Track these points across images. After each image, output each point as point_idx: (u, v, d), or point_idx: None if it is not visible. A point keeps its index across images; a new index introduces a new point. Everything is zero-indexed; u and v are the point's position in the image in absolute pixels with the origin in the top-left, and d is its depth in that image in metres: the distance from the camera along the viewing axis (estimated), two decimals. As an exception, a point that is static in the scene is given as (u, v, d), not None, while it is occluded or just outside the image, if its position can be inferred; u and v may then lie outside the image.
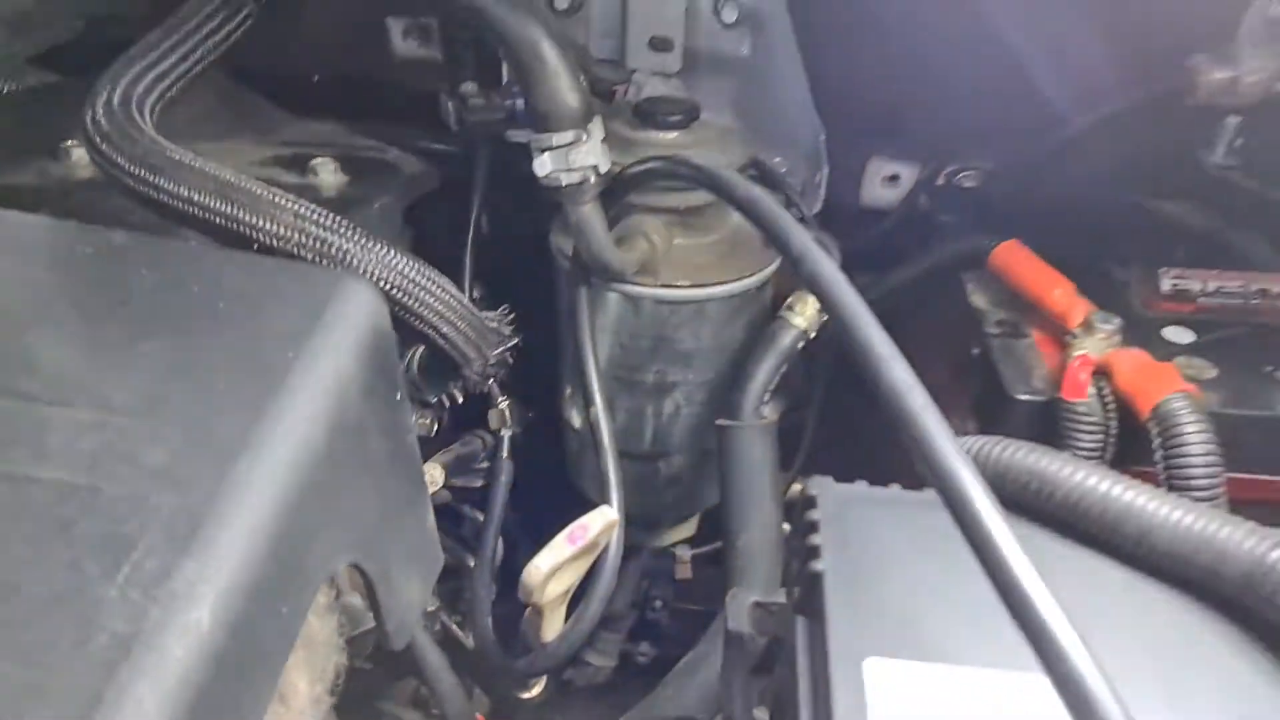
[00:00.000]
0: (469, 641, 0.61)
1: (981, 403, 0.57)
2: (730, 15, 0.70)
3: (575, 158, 0.49)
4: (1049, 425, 0.52)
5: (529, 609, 0.52)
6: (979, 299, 0.61)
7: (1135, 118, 0.73)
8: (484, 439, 0.72)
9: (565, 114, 0.48)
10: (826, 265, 0.37)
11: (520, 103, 0.63)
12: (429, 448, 0.67)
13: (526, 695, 0.59)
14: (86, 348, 0.31)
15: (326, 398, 0.31)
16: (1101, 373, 0.52)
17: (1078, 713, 0.26)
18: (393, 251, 0.42)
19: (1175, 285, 0.61)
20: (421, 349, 0.50)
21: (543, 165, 0.49)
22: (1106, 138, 0.74)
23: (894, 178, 0.79)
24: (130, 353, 0.30)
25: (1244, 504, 0.42)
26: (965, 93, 0.73)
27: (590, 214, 0.52)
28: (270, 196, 0.40)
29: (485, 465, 0.72)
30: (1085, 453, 0.50)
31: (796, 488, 0.67)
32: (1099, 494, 0.36)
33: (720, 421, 0.60)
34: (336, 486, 0.31)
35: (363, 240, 0.41)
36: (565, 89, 0.47)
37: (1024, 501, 0.38)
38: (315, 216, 0.40)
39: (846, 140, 0.76)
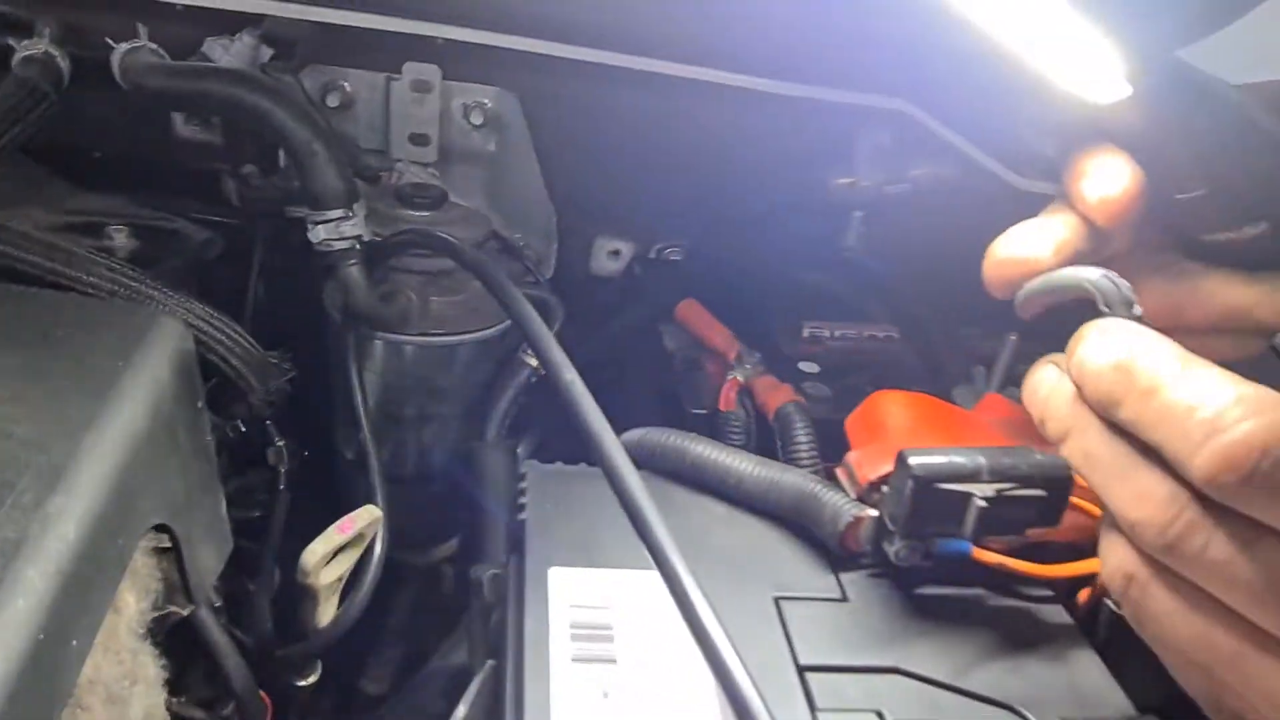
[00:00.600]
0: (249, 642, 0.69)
1: (671, 417, 0.75)
2: (478, 119, 0.87)
3: (344, 229, 0.62)
4: (714, 429, 0.70)
5: (305, 599, 0.62)
6: (670, 342, 0.80)
7: (791, 211, 0.96)
8: (262, 474, 0.81)
9: (334, 196, 0.61)
10: (533, 319, 0.53)
11: (297, 183, 0.75)
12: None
13: (303, 683, 0.68)
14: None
15: (147, 396, 0.42)
16: (746, 391, 0.71)
17: (675, 594, 0.41)
18: (189, 299, 0.53)
19: (811, 333, 0.83)
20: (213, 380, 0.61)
21: (316, 235, 0.62)
22: (771, 226, 0.97)
23: (616, 252, 0.98)
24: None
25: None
26: (669, 189, 0.94)
27: (357, 274, 0.65)
28: (86, 254, 0.51)
29: (263, 498, 0.81)
30: (736, 444, 0.68)
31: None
32: (711, 459, 0.53)
33: (469, 443, 0.74)
34: (153, 461, 0.42)
35: (165, 289, 0.52)
36: (334, 177, 0.61)
37: (670, 467, 0.55)
38: (125, 270, 0.51)
39: (578, 222, 0.95)
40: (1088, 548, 0.48)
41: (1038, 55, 0.39)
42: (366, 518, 0.61)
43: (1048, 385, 0.35)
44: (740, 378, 0.71)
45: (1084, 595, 0.51)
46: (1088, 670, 0.46)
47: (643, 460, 0.56)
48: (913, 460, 0.44)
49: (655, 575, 0.38)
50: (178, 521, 0.44)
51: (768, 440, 0.68)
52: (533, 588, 0.46)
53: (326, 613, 0.64)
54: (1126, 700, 0.44)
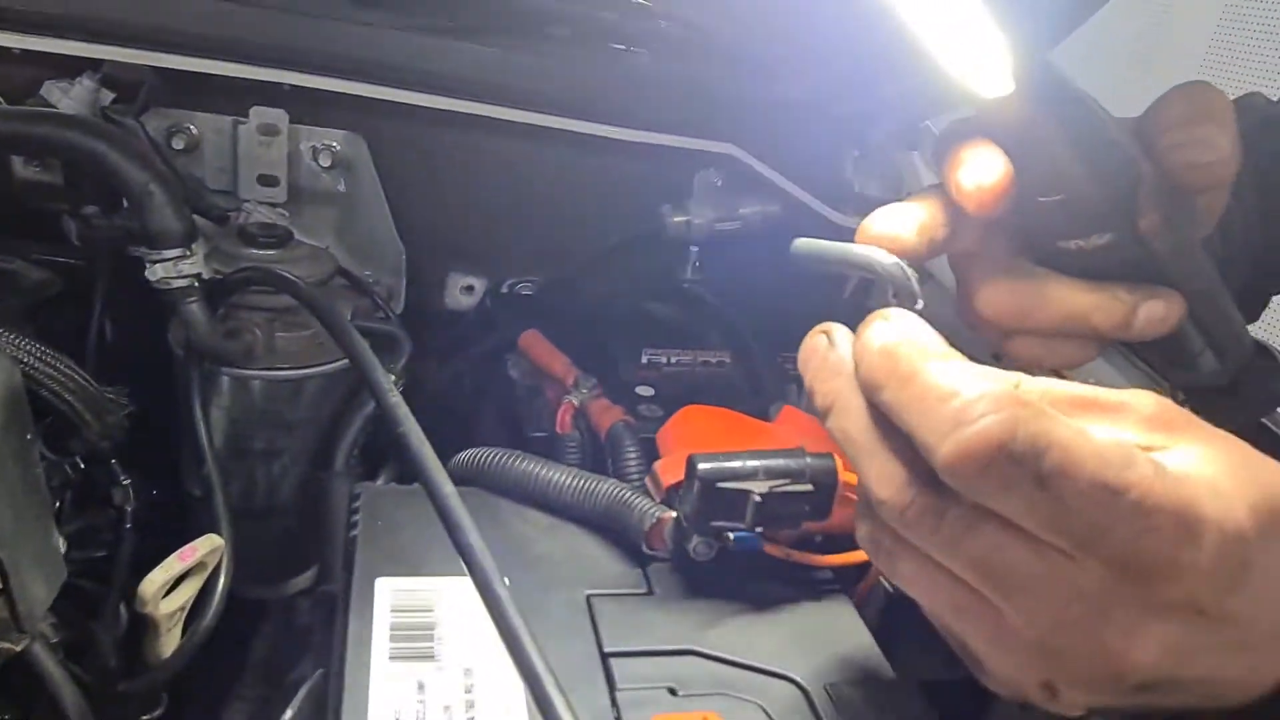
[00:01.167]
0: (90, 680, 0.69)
1: (515, 440, 0.80)
2: (326, 160, 0.90)
3: (183, 267, 0.64)
4: (552, 450, 0.75)
5: (146, 630, 0.63)
6: (513, 371, 0.84)
7: (634, 247, 1.03)
8: (107, 515, 0.81)
9: (171, 236, 0.63)
10: (362, 349, 0.56)
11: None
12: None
13: (148, 717, 0.68)
14: None
15: (-28, 429, 0.44)
16: (582, 414, 0.76)
17: (482, 590, 0.45)
18: (20, 337, 0.55)
19: (650, 359, 0.89)
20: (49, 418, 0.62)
21: (154, 273, 0.64)
22: (616, 260, 1.03)
23: (470, 287, 1.02)
24: None
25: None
26: (519, 227, 1.00)
27: (197, 311, 0.67)
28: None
29: (108, 538, 0.80)
30: (572, 463, 0.73)
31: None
32: (532, 474, 0.58)
33: (318, 473, 0.76)
34: (-21, 491, 0.44)
35: (-5, 327, 0.53)
36: (171, 218, 0.63)
37: (499, 484, 0.59)
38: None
39: (431, 259, 0.99)
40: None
41: (935, 42, 0.41)
42: (208, 546, 0.63)
43: (817, 356, 0.37)
44: (575, 402, 0.76)
45: (867, 583, 0.58)
46: (859, 644, 0.52)
47: (473, 478, 0.60)
48: (699, 465, 0.50)
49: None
50: (4, 550, 0.46)
51: (604, 458, 0.73)
52: (359, 597, 0.49)
53: (169, 644, 0.65)
54: (888, 666, 0.51)
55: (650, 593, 0.53)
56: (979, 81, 0.40)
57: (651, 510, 0.54)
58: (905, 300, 0.38)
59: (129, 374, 0.79)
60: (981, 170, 0.40)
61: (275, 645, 0.93)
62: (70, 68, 0.78)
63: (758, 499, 0.49)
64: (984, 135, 0.41)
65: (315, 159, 0.89)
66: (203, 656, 0.75)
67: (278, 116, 0.86)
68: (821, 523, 0.52)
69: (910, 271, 0.39)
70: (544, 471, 0.58)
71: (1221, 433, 0.33)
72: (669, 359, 0.90)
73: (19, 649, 0.53)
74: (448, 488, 0.47)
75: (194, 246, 0.65)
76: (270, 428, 0.78)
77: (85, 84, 0.77)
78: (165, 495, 0.86)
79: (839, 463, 0.51)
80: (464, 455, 0.60)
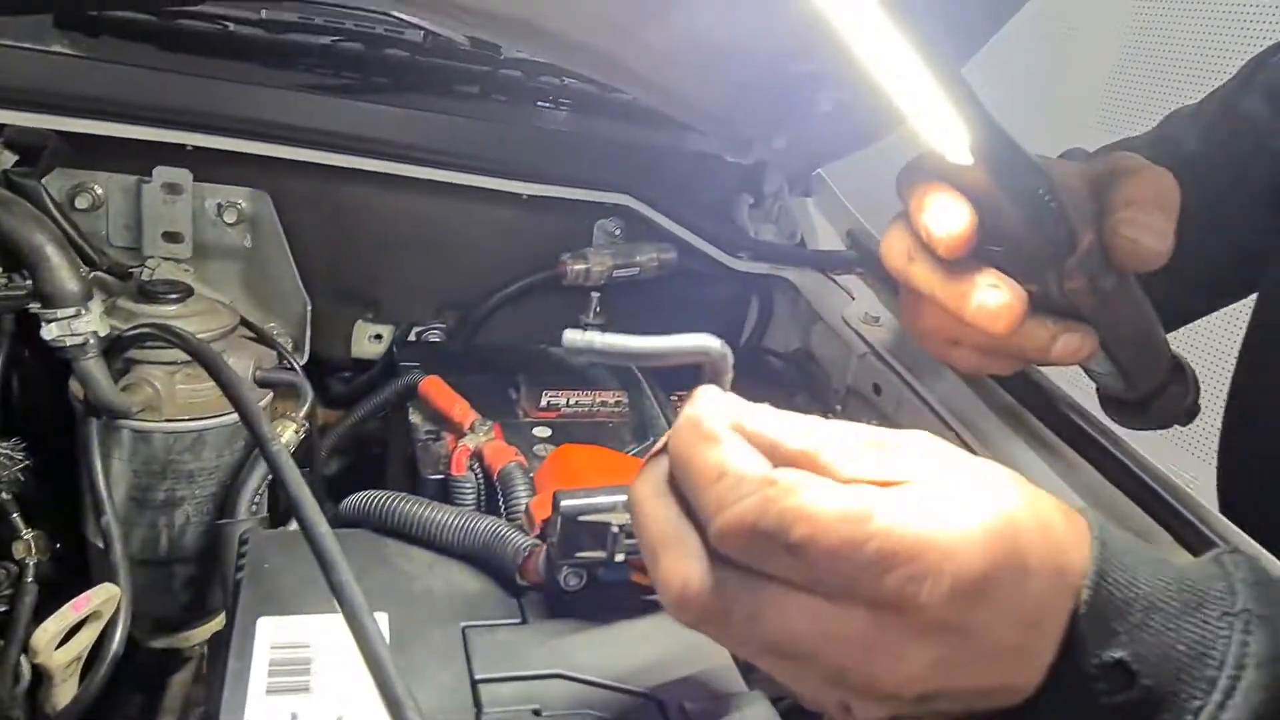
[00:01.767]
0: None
1: (414, 484, 0.83)
2: (231, 217, 0.93)
3: (77, 326, 0.67)
4: (447, 493, 0.78)
5: (41, 680, 0.65)
6: (415, 418, 0.88)
7: (535, 292, 1.08)
8: (8, 569, 0.82)
9: (67, 296, 0.66)
10: (246, 400, 0.60)
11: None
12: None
13: (45, 769, 0.69)
14: None
15: None
16: (477, 456, 0.80)
17: (350, 623, 0.48)
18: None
19: (549, 400, 0.93)
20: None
21: (49, 332, 0.66)
22: (522, 305, 1.08)
23: (378, 336, 1.05)
24: None
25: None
26: (424, 277, 1.04)
27: (93, 367, 0.69)
28: None
29: (9, 593, 0.81)
30: (468, 505, 0.76)
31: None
32: (415, 515, 0.62)
33: (219, 521, 0.78)
34: None
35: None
36: (66, 278, 0.66)
37: (385, 524, 0.63)
38: None
39: (338, 309, 1.02)
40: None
41: (917, 121, 0.48)
42: (103, 595, 0.65)
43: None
44: (471, 445, 0.80)
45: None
46: (718, 665, 0.57)
47: (362, 520, 0.63)
48: (562, 501, 0.54)
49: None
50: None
51: (498, 499, 0.77)
52: (240, 636, 0.52)
53: (64, 694, 0.66)
54: (743, 681, 0.55)
55: (524, 622, 0.57)
56: (944, 148, 0.48)
57: (524, 544, 0.58)
58: (721, 380, 0.41)
59: (35, 427, 0.81)
60: (950, 220, 0.48)
61: (188, 695, 0.94)
62: (-29, 132, 0.81)
63: (615, 530, 0.54)
64: (944, 179, 0.49)
65: (220, 215, 0.92)
66: (109, 708, 0.76)
67: (181, 176, 0.89)
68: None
69: (729, 354, 0.42)
70: (427, 512, 0.61)
71: (976, 460, 0.38)
72: (567, 400, 0.94)
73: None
74: (323, 527, 0.50)
75: (90, 305, 0.67)
76: (172, 478, 0.80)
77: (-14, 148, 0.79)
78: (71, 548, 0.87)
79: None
80: (353, 498, 0.63)
